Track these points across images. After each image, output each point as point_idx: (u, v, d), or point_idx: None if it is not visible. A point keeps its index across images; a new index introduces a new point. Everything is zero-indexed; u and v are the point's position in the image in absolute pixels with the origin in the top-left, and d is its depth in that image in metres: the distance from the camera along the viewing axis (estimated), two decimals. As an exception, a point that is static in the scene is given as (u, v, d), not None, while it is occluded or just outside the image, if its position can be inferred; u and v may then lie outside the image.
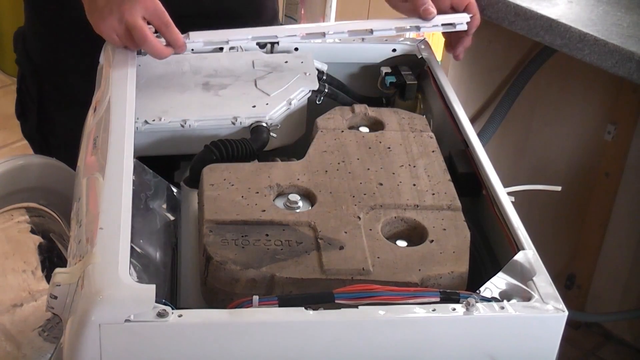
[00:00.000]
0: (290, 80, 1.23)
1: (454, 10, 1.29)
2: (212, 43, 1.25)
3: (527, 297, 0.87)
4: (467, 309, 0.84)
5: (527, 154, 1.91)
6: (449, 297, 0.86)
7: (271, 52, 1.32)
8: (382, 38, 1.36)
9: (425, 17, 1.26)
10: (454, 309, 0.85)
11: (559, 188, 1.18)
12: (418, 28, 1.27)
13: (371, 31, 1.27)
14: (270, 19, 1.52)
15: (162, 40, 1.17)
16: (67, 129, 1.26)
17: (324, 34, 1.26)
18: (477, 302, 0.85)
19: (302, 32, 1.26)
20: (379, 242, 0.95)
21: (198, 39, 1.21)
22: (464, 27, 1.28)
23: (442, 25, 1.27)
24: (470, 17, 1.28)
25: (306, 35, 1.26)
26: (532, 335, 0.87)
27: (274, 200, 1.00)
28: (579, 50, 1.39)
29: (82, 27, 1.21)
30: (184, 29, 1.20)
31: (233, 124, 1.15)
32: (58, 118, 1.47)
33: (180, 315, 0.81)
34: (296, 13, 2.71)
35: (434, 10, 1.26)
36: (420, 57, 1.33)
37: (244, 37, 1.25)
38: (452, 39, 1.34)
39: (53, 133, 1.49)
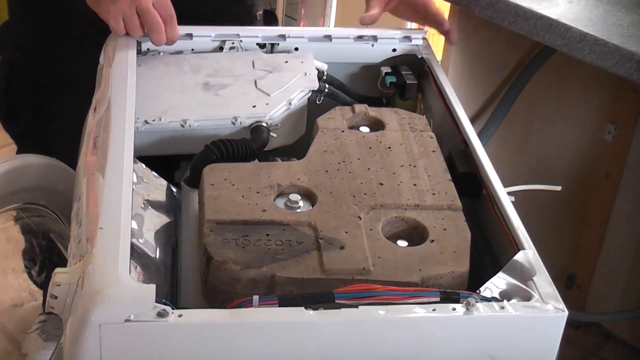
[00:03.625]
0: (290, 80, 1.23)
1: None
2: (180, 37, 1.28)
3: (527, 297, 0.87)
4: (467, 309, 0.84)
5: (527, 154, 1.91)
6: (449, 297, 0.86)
7: (271, 52, 1.32)
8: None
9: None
10: (454, 309, 0.85)
11: (559, 188, 1.18)
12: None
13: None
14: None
15: None
16: (68, 117, 1.27)
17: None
18: (477, 302, 0.85)
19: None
20: (380, 242, 0.95)
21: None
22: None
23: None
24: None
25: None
26: (532, 335, 0.87)
27: (274, 200, 1.00)
28: (579, 50, 1.39)
29: (78, 15, 1.26)
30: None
31: (233, 124, 1.15)
32: (58, 106, 1.46)
33: (180, 315, 0.81)
34: (296, 13, 2.71)
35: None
36: (420, 57, 1.33)
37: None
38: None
39: (53, 123, 1.48)
